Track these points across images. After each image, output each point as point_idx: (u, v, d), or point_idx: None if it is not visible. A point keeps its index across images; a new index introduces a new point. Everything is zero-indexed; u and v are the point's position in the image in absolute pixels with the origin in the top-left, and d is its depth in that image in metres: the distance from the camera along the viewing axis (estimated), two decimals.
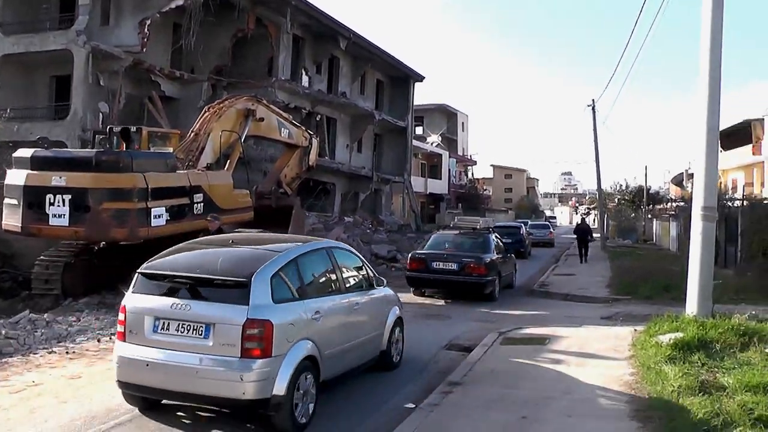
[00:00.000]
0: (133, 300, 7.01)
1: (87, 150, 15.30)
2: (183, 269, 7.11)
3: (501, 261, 17.56)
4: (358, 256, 9.17)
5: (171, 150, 16.93)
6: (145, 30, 28.31)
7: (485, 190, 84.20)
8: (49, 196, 13.67)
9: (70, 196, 13.54)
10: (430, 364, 9.60)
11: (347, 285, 8.38)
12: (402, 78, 46.60)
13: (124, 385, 6.97)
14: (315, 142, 24.06)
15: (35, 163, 14.07)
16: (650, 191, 61.28)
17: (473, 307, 15.51)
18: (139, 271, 7.22)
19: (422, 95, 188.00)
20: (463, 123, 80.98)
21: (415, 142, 57.14)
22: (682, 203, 39.18)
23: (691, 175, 60.93)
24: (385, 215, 45.14)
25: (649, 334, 9.87)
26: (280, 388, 6.49)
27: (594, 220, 54.96)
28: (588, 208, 72.54)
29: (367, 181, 41.83)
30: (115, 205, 13.47)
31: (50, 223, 13.73)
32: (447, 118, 76.40)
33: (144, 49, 28.35)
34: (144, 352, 6.73)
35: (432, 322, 13.22)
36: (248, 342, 6.41)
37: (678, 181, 67.07)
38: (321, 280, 7.96)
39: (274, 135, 21.15)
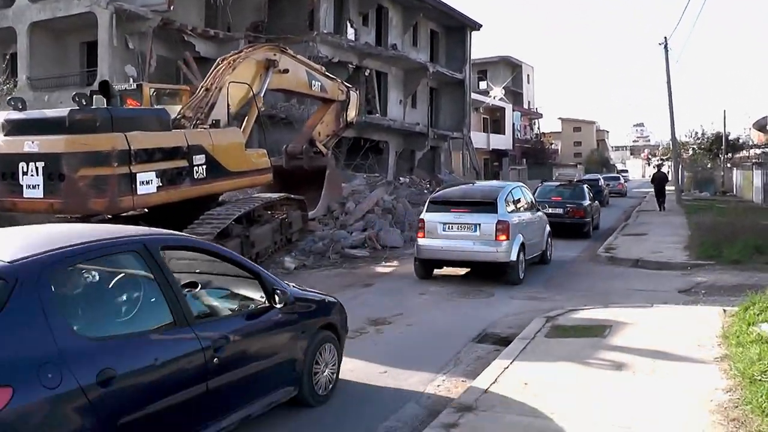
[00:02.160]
0: (428, 216, 13.01)
1: (59, 109, 13.40)
2: (456, 197, 13.46)
3: (592, 207, 22.01)
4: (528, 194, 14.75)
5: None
6: None
7: (552, 144, 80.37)
8: (23, 165, 11.76)
9: (43, 164, 11.62)
10: (448, 365, 7.30)
11: (532, 207, 14.49)
12: (458, 27, 43.64)
13: (422, 261, 13.10)
14: (354, 96, 21.72)
15: (8, 128, 12.18)
16: (729, 138, 56.74)
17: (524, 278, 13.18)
18: (429, 200, 13.82)
19: (484, 47, 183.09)
20: (528, 75, 77.55)
21: (477, 96, 54.24)
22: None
23: None
24: (444, 174, 42.70)
25: (745, 319, 7.37)
26: (513, 256, 12.32)
27: (668, 171, 51.26)
28: (661, 159, 68.08)
29: (422, 138, 39.33)
30: (92, 172, 11.44)
31: (24, 196, 11.83)
32: (511, 70, 73.13)
33: (171, 7, 26.44)
34: (437, 242, 12.68)
35: (469, 301, 10.96)
36: (498, 232, 12.18)
37: (761, 125, 62.17)
38: (521, 203, 13.81)
39: (302, 89, 18.91)
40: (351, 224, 18.97)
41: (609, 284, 12.48)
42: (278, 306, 5.48)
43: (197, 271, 5.65)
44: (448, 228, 12.61)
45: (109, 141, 11.51)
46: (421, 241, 12.90)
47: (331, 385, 6.28)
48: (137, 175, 11.85)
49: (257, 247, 14.13)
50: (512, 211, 12.99)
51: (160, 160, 12.32)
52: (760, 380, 5.48)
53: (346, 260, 16.29)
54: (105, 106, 12.65)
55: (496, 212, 12.39)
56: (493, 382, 6.06)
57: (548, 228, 15.20)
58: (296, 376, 5.83)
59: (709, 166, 57.26)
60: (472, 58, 48.06)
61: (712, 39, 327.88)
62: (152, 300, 4.68)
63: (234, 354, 4.98)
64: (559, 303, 10.39)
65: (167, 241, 5.16)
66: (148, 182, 12.06)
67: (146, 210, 14.54)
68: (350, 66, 32.52)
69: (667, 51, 34.55)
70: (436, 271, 13.40)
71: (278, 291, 5.49)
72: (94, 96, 15.77)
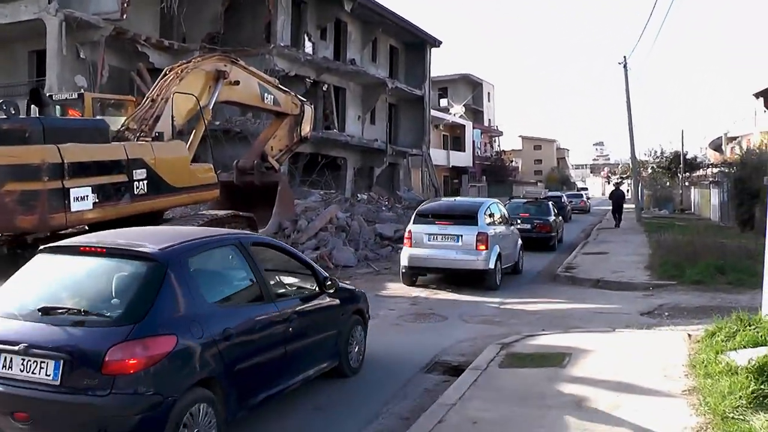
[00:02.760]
0: (414, 228, 14.20)
1: None
2: (440, 211, 14.82)
3: (557, 222, 23.88)
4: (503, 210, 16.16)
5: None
6: None
7: (512, 161, 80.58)
8: None
9: None
10: (394, 400, 6.69)
11: (506, 221, 15.82)
12: (417, 44, 43.35)
13: (410, 268, 14.11)
14: (309, 110, 21.04)
15: None
16: (687, 157, 57.27)
17: (480, 298, 12.68)
18: (416, 213, 15.10)
19: (445, 65, 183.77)
20: (489, 93, 77.76)
21: (438, 113, 54.06)
22: (724, 168, 35.98)
23: (732, 139, 57.33)
24: (403, 191, 42.20)
25: (712, 347, 6.87)
26: (492, 264, 13.53)
27: (627, 189, 51.39)
28: (621, 178, 68.49)
29: (381, 154, 38.89)
30: (19, 186, 10.60)
31: None
32: (472, 88, 73.25)
33: (124, 16, 25.66)
34: (423, 251, 13.85)
35: (419, 326, 10.29)
36: (478, 242, 13.44)
37: (716, 145, 63.27)
38: (497, 218, 15.11)
39: (254, 102, 18.22)
40: (303, 242, 18.29)
41: (568, 306, 11.94)
42: (329, 291, 7.03)
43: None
44: (433, 238, 13.94)
45: (39, 153, 10.69)
46: (407, 251, 14.14)
47: (361, 359, 7.83)
48: (71, 190, 11.03)
49: None
50: (490, 224, 14.42)
51: (96, 174, 11.53)
52: (732, 418, 4.98)
53: None
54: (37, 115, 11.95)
55: (477, 225, 13.80)
56: (439, 422, 5.46)
57: (520, 241, 16.67)
58: (337, 350, 7.31)
59: (668, 184, 57.79)
60: (432, 75, 47.84)
61: (671, 60, 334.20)
62: (248, 281, 6.20)
63: (300, 326, 6.42)
64: (515, 327, 9.84)
65: (254, 239, 6.85)
66: (83, 198, 11.25)
67: (86, 228, 13.77)
68: (308, 80, 31.99)
69: (626, 70, 34.56)
70: (387, 293, 13.15)
71: (329, 280, 7.05)
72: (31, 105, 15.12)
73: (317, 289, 7.00)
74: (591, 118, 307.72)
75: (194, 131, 15.70)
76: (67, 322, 4.96)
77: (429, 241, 13.89)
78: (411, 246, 14.05)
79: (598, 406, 5.77)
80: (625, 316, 10.69)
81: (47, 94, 15.34)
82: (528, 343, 8.21)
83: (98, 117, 14.56)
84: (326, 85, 34.82)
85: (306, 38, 33.29)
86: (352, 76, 36.38)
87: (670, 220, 35.49)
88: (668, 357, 7.18)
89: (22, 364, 4.79)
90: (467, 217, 14.05)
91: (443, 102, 69.58)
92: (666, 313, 10.88)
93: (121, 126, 14.14)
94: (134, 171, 12.34)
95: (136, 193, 12.35)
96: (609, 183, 57.27)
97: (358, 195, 35.40)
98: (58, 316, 5.01)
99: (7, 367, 4.83)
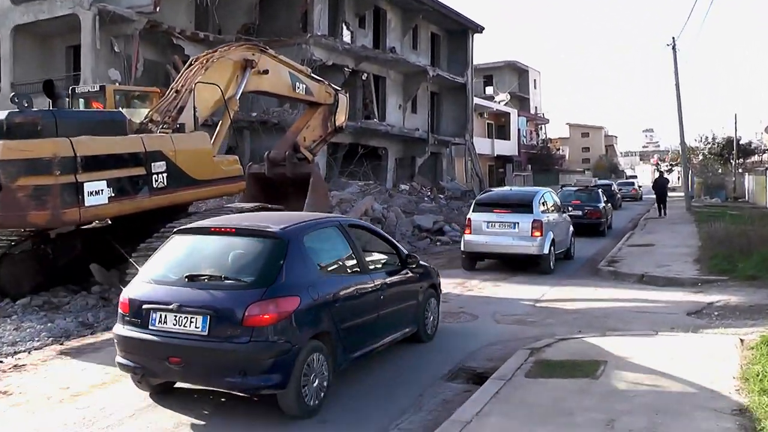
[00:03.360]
0: (474, 216, 15.07)
1: None
2: (498, 200, 15.68)
3: (606, 209, 24.86)
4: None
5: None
6: None
7: (559, 149, 78.92)
8: None
9: None
10: (406, 413, 6.06)
11: (559, 209, 16.57)
12: (459, 30, 42.46)
13: (467, 254, 15.23)
14: (343, 99, 20.43)
15: None
16: (741, 142, 55.21)
17: (514, 295, 11.93)
18: (474, 202, 16.17)
19: (490, 52, 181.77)
20: (535, 80, 76.29)
21: (482, 101, 53.03)
22: None
23: None
24: (446, 181, 41.46)
25: None
26: (546, 250, 14.42)
27: (677, 177, 49.83)
28: (670, 165, 66.57)
29: (422, 144, 38.17)
30: (32, 181, 10.27)
31: None
32: (518, 75, 72.15)
33: (158, 9, 25.43)
34: (482, 238, 14.75)
35: (447, 326, 9.51)
36: (534, 229, 14.29)
37: None
38: (550, 206, 15.85)
39: (285, 91, 17.68)
40: None
41: (609, 305, 11.07)
42: (410, 267, 8.21)
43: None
44: (491, 226, 14.79)
45: (50, 147, 10.34)
46: (467, 237, 15.09)
47: (435, 328, 8.92)
48: (84, 184, 10.68)
49: None
50: (544, 212, 15.22)
51: (112, 167, 11.15)
52: None
53: None
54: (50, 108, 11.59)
55: (532, 212, 14.65)
56: None
57: (572, 228, 17.42)
58: (416, 318, 8.42)
59: (719, 171, 55.80)
60: (476, 62, 46.90)
61: (722, 40, 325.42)
62: (348, 255, 7.32)
63: (389, 295, 7.55)
64: (550, 328, 9.13)
65: (350, 222, 8.11)
66: (97, 192, 10.87)
67: (109, 221, 13.44)
68: (346, 69, 31.41)
69: (675, 52, 33.24)
70: None
71: (411, 257, 8.29)
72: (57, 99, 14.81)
73: (400, 264, 8.15)
74: (640, 104, 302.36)
75: (220, 122, 15.26)
76: (211, 286, 6.20)
77: (487, 228, 14.79)
78: (470, 233, 15.02)
79: (633, 427, 5.04)
80: (671, 317, 9.84)
81: (71, 87, 15.13)
82: (561, 348, 7.49)
83: (120, 109, 14.27)
84: (365, 74, 34.23)
85: (344, 27, 32.72)
86: (392, 65, 35.71)
87: (722, 209, 34.07)
88: (717, 367, 6.41)
89: (175, 319, 6.01)
90: (523, 205, 14.95)
91: (488, 90, 68.53)
92: (716, 313, 9.98)
93: (145, 118, 13.78)
94: (153, 164, 11.95)
95: (155, 186, 11.97)
96: (658, 170, 55.48)
97: (400, 185, 34.86)
98: (202, 282, 6.26)
99: (162, 322, 6.07)
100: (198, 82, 13.96)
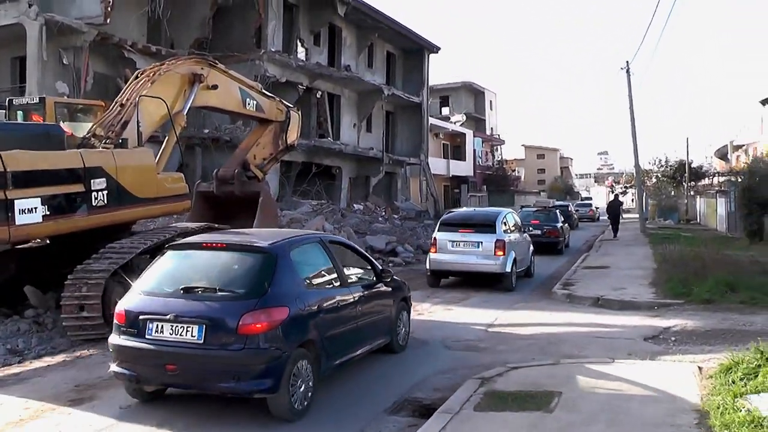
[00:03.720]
0: (439, 235, 15.67)
1: None
2: (461, 220, 16.34)
3: (564, 228, 26.25)
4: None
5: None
6: None
7: (514, 171, 79.40)
8: None
9: None
10: None
11: (520, 229, 17.20)
12: (415, 50, 42.43)
13: (433, 272, 15.80)
14: (296, 116, 20.00)
15: None
16: (692, 166, 56.12)
17: (466, 319, 11.58)
18: (440, 222, 16.71)
19: (446, 73, 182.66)
20: (491, 101, 76.69)
21: (437, 122, 53.06)
22: (731, 177, 34.94)
23: (738, 147, 56.19)
24: (400, 200, 41.20)
25: (730, 388, 5.80)
26: (508, 268, 15.07)
27: (632, 199, 50.42)
28: (625, 187, 67.32)
29: (377, 163, 37.87)
30: None
31: None
32: (474, 96, 72.45)
33: (108, 20, 24.78)
34: (446, 257, 15.39)
35: (394, 354, 9.10)
36: (497, 248, 14.96)
37: (722, 154, 62.18)
38: (512, 225, 16.49)
39: (234, 107, 17.19)
40: None
41: (563, 330, 10.69)
42: (385, 281, 8.73)
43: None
44: (456, 245, 15.44)
45: None
46: (433, 256, 15.73)
47: (407, 338, 9.51)
48: (15, 201, 10.06)
49: None
50: (506, 232, 15.81)
51: (47, 184, 10.55)
52: None
53: None
54: None
55: (495, 232, 15.29)
56: None
57: (532, 247, 18.22)
58: (389, 329, 8.89)
59: (672, 193, 56.62)
60: (433, 83, 46.88)
61: (675, 66, 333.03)
62: (330, 269, 7.73)
63: (366, 306, 8.01)
64: (502, 355, 8.78)
65: (330, 238, 8.60)
66: (30, 210, 10.26)
67: (47, 241, 12.78)
68: (300, 87, 31.04)
69: (629, 75, 33.58)
70: None
71: (385, 272, 8.86)
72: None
73: (375, 278, 8.65)
74: (595, 126, 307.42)
75: (166, 138, 14.72)
76: (206, 297, 6.62)
77: (452, 247, 15.44)
78: (436, 251, 15.65)
79: None
80: (627, 342, 9.56)
81: (8, 99, 14.46)
82: (513, 378, 7.13)
83: (62, 123, 13.68)
84: (320, 92, 33.88)
85: (299, 43, 32.42)
86: (346, 83, 35.44)
87: (676, 231, 34.43)
88: (676, 398, 6.12)
89: (172, 329, 6.38)
90: (486, 225, 15.60)
91: (445, 110, 68.66)
92: (673, 338, 9.71)
93: (87, 132, 13.20)
94: (92, 180, 11.39)
95: (94, 204, 11.40)
96: (613, 192, 56.22)
97: (354, 205, 34.47)
98: (197, 293, 6.68)
99: (159, 331, 6.43)
100: (142, 96, 13.47)
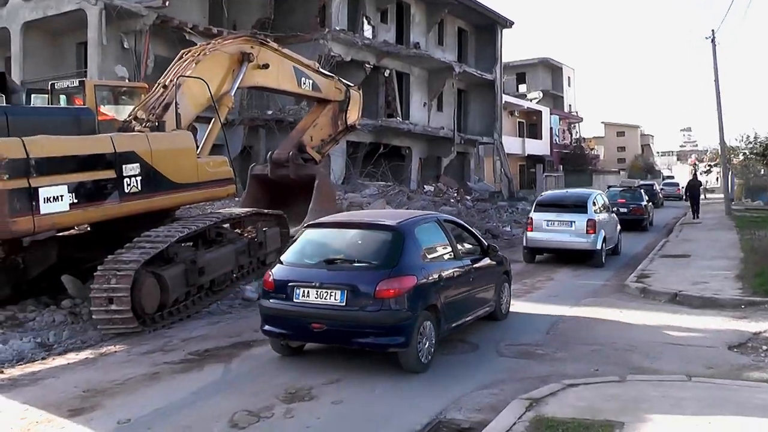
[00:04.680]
0: (535, 215, 17.02)
1: None
2: (556, 200, 17.80)
3: (648, 207, 27.80)
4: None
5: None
6: None
7: (592, 149, 76.61)
8: None
9: None
10: None
11: (608, 209, 18.35)
12: (487, 25, 40.91)
13: (529, 248, 17.20)
14: (356, 95, 19.22)
15: None
16: None
17: (528, 316, 10.49)
18: (535, 203, 18.23)
19: (523, 49, 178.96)
20: (569, 77, 74.40)
21: (511, 99, 51.38)
22: None
23: None
24: (473, 181, 39.99)
25: None
26: (599, 245, 16.12)
27: (716, 178, 47.77)
28: (709, 165, 63.98)
29: (448, 143, 36.72)
30: None
31: None
32: (551, 72, 70.28)
33: (167, 3, 24.39)
34: (541, 235, 16.72)
35: (438, 359, 7.95)
36: (588, 227, 16.07)
37: None
38: (601, 205, 17.56)
39: (288, 87, 16.50)
40: None
41: (634, 333, 9.40)
42: (492, 255, 9.75)
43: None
44: (550, 224, 16.67)
45: None
46: (529, 234, 17.01)
47: (508, 308, 10.50)
48: (39, 189, 9.48)
49: (210, 274, 11.67)
50: (596, 212, 16.83)
51: (74, 170, 9.95)
52: None
53: None
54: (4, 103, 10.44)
55: (587, 212, 16.45)
56: None
57: (619, 226, 19.12)
58: (495, 299, 9.86)
59: (762, 172, 53.32)
60: (509, 59, 45.29)
61: (764, 34, 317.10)
62: (446, 244, 8.73)
63: (476, 277, 9.07)
64: (560, 365, 7.70)
65: (445, 218, 9.51)
66: (56, 198, 9.67)
67: (88, 228, 12.28)
68: (367, 66, 30.13)
69: (714, 45, 31.39)
70: None
71: (491, 247, 9.86)
72: (32, 95, 13.75)
73: (482, 253, 9.58)
74: (678, 102, 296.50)
75: (213, 120, 14.05)
76: (346, 267, 7.76)
77: (547, 226, 16.68)
78: (532, 230, 16.94)
79: None
80: (708, 350, 8.27)
81: (51, 83, 13.99)
82: (567, 399, 6.00)
83: (104, 106, 13.14)
84: (388, 71, 32.88)
85: (365, 21, 31.48)
86: (415, 61, 34.35)
87: (765, 214, 32.11)
88: None
89: (317, 293, 7.46)
90: (578, 206, 16.80)
91: (522, 88, 66.89)
92: (764, 347, 8.30)
93: (129, 115, 12.65)
94: (124, 166, 10.75)
95: (127, 191, 10.77)
96: (696, 171, 53.42)
97: (424, 186, 33.48)
98: (338, 264, 7.85)
99: (305, 296, 7.52)
100: (182, 76, 12.81)
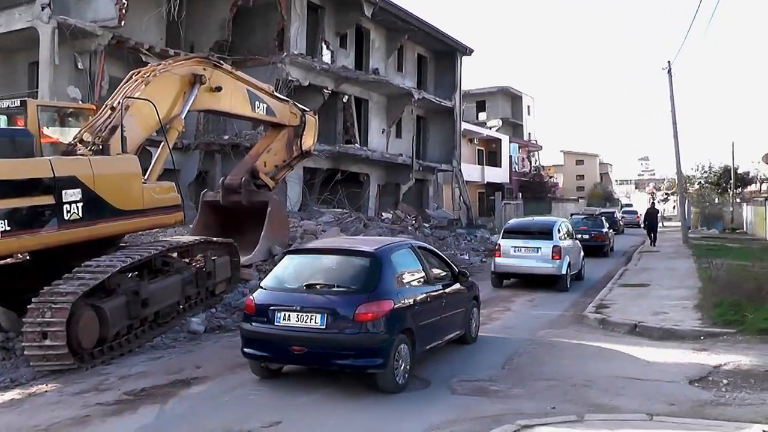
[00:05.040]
0: (503, 242, 17.70)
1: None
2: (523, 227, 18.57)
3: (609, 233, 29.08)
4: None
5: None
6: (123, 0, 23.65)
7: (552, 177, 77.23)
8: None
9: None
10: None
11: (572, 236, 19.18)
12: (447, 52, 40.92)
13: (497, 274, 17.73)
14: (312, 120, 18.88)
15: None
16: (738, 171, 53.67)
17: (484, 349, 10.19)
18: (503, 230, 18.90)
19: (483, 77, 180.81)
20: (528, 106, 75.04)
21: (471, 127, 51.56)
22: None
23: None
24: (432, 208, 39.76)
25: None
26: (564, 270, 16.84)
27: (673, 206, 48.32)
28: (666, 194, 64.87)
29: (407, 170, 36.45)
30: None
31: None
32: (511, 101, 70.71)
33: (122, 23, 23.84)
34: (508, 261, 17.35)
35: (387, 398, 7.71)
36: (554, 253, 16.76)
37: None
38: (565, 232, 18.34)
39: (242, 110, 16.09)
40: None
41: (593, 366, 9.07)
42: (462, 281, 10.20)
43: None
44: (517, 250, 17.40)
45: None
46: (497, 260, 17.66)
47: (477, 332, 10.92)
48: None
49: (154, 306, 11.13)
50: (561, 239, 17.52)
51: (6, 196, 9.38)
52: None
53: None
54: None
55: (552, 239, 17.15)
56: None
57: (582, 252, 19.84)
58: (464, 323, 10.27)
59: (717, 201, 54.21)
60: (469, 87, 45.31)
61: (719, 65, 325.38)
62: (419, 269, 9.19)
63: (448, 301, 9.51)
64: (516, 402, 7.32)
65: (419, 245, 9.90)
66: None
67: (27, 257, 11.65)
68: (325, 91, 29.83)
69: (671, 76, 31.66)
70: None
71: (462, 273, 10.31)
72: None
73: (453, 279, 9.97)
74: (636, 131, 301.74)
75: (162, 145, 13.54)
76: (326, 292, 8.07)
77: (514, 252, 17.41)
78: (500, 256, 17.61)
79: None
80: (669, 386, 7.97)
81: None
82: None
83: (46, 128, 12.54)
84: (346, 96, 32.63)
85: (324, 46, 31.21)
86: (374, 87, 34.13)
87: (721, 242, 32.43)
88: None
89: (297, 317, 7.77)
90: (544, 233, 17.53)
91: (482, 116, 67.24)
92: (724, 381, 8.05)
93: (74, 138, 12.11)
94: (64, 191, 10.19)
95: (67, 218, 10.20)
96: (654, 199, 54.17)
97: (382, 214, 33.16)
98: (318, 288, 8.18)
99: (286, 319, 7.82)
100: (129, 97, 12.34)
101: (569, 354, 9.93)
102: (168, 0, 26.17)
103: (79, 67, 24.49)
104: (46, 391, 8.28)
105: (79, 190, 10.39)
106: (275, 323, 7.88)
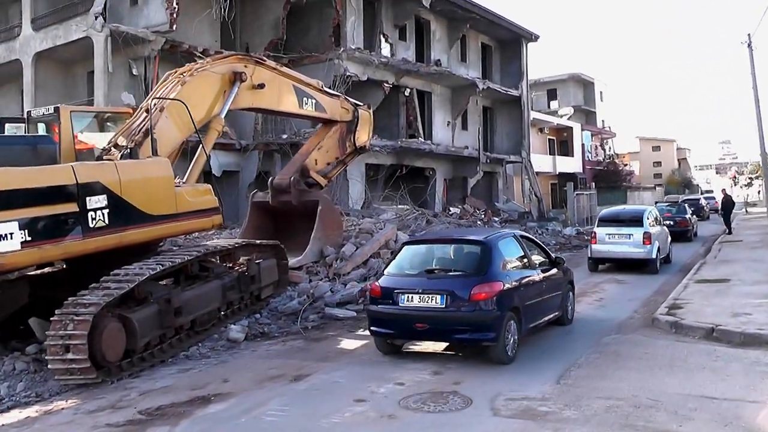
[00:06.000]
0: (598, 230, 19.30)
1: None
2: (615, 216, 20.10)
3: (692, 219, 30.25)
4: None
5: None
6: (173, 4, 23.49)
7: (626, 165, 74.50)
8: None
9: None
10: None
11: (659, 222, 20.80)
12: (512, 40, 39.73)
13: (593, 259, 19.25)
14: (366, 114, 18.23)
15: None
16: None
17: (539, 358, 9.24)
18: (598, 218, 20.62)
19: (553, 64, 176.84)
20: (601, 92, 72.76)
21: (540, 116, 50.02)
22: None
23: None
24: (501, 201, 38.59)
25: None
26: (654, 255, 18.40)
27: (758, 191, 45.65)
28: (750, 178, 61.73)
29: (473, 163, 35.44)
30: None
31: None
32: (583, 88, 68.66)
33: (174, 27, 23.83)
34: (603, 247, 18.95)
35: (424, 417, 6.83)
36: (644, 239, 18.36)
37: None
38: (654, 219, 19.89)
39: (288, 107, 15.55)
40: (347, 273, 15.19)
41: (661, 381, 7.86)
42: (559, 266, 11.27)
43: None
44: (611, 237, 18.90)
45: None
46: (594, 246, 19.09)
47: (573, 314, 11.87)
48: None
49: (189, 314, 10.60)
50: (651, 225, 19.06)
51: (26, 205, 8.94)
52: None
53: (327, 323, 12.60)
54: None
55: (642, 226, 18.67)
56: None
57: (669, 237, 21.18)
58: (561, 305, 11.26)
59: None
60: (539, 76, 43.81)
61: None
62: (523, 256, 10.19)
63: (547, 285, 10.50)
64: (566, 428, 6.35)
65: (521, 234, 10.95)
66: (4, 237, 8.67)
67: (64, 265, 11.30)
68: (386, 85, 29.09)
69: (751, 50, 29.68)
70: (410, 348, 10.20)
71: (559, 259, 11.46)
72: (6, 124, 12.91)
73: (550, 264, 10.92)
74: (716, 113, 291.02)
75: (200, 147, 13.02)
76: (444, 276, 9.39)
77: (608, 239, 18.91)
78: (596, 242, 19.06)
79: None
80: (753, 407, 6.76)
81: (27, 111, 13.14)
82: None
83: (81, 133, 12.18)
84: (408, 90, 31.82)
85: (382, 39, 30.47)
86: (437, 78, 33.25)
87: None
88: None
89: (419, 298, 9.01)
90: (635, 220, 19.09)
91: (553, 104, 65.48)
92: None
93: (108, 143, 11.70)
94: (89, 198, 9.71)
95: (92, 225, 9.72)
96: (736, 185, 51.47)
97: (450, 208, 32.28)
98: (437, 273, 9.50)
99: (409, 300, 9.07)
100: (161, 98, 11.85)
101: (634, 365, 8.80)
102: (217, 1, 25.86)
103: (134, 73, 24.63)
104: (63, 408, 7.86)
105: (104, 196, 9.93)
106: (399, 304, 9.06)
